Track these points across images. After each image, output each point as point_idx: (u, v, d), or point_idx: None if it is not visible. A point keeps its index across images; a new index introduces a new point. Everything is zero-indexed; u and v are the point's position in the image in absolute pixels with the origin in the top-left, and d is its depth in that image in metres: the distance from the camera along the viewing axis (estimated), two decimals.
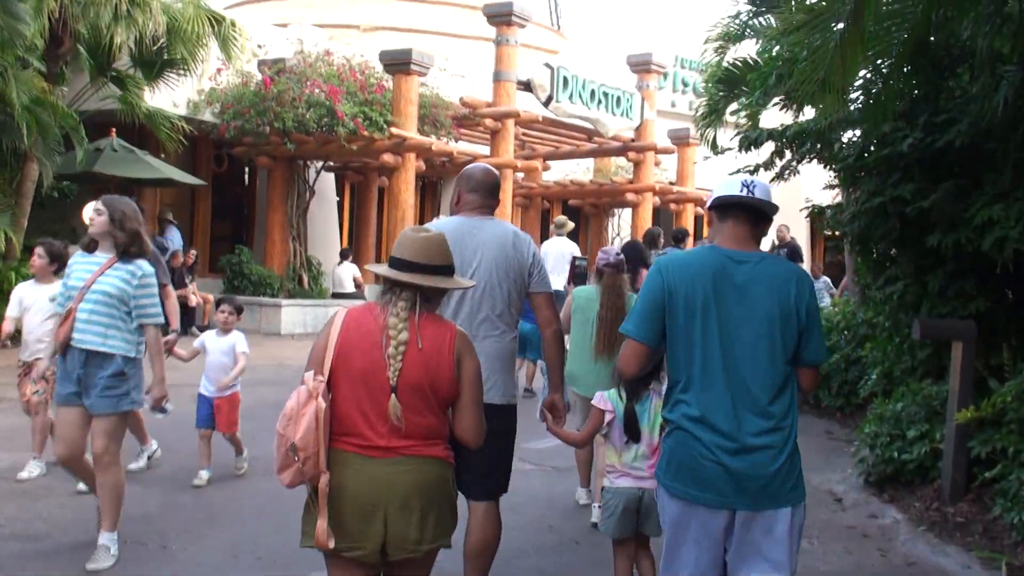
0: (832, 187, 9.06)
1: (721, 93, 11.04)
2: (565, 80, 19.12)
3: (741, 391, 3.42)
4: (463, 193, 4.74)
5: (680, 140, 22.64)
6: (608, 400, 4.79)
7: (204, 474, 7.26)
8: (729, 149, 10.31)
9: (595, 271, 6.70)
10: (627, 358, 3.61)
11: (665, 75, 25.60)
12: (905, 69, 6.82)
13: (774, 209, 3.57)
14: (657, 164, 22.80)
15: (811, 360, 3.56)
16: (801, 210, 9.18)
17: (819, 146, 7.89)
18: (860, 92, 7.58)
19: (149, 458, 7.67)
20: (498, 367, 4.43)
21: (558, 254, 13.70)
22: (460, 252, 4.27)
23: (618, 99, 20.51)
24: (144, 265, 5.56)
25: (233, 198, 20.90)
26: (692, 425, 3.44)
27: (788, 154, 8.43)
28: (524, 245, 4.68)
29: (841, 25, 5.78)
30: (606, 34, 28.37)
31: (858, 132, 7.93)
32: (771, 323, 3.45)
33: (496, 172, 4.93)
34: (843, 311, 10.88)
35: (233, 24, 15.21)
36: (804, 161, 8.32)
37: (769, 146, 8.66)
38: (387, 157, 16.84)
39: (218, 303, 8.05)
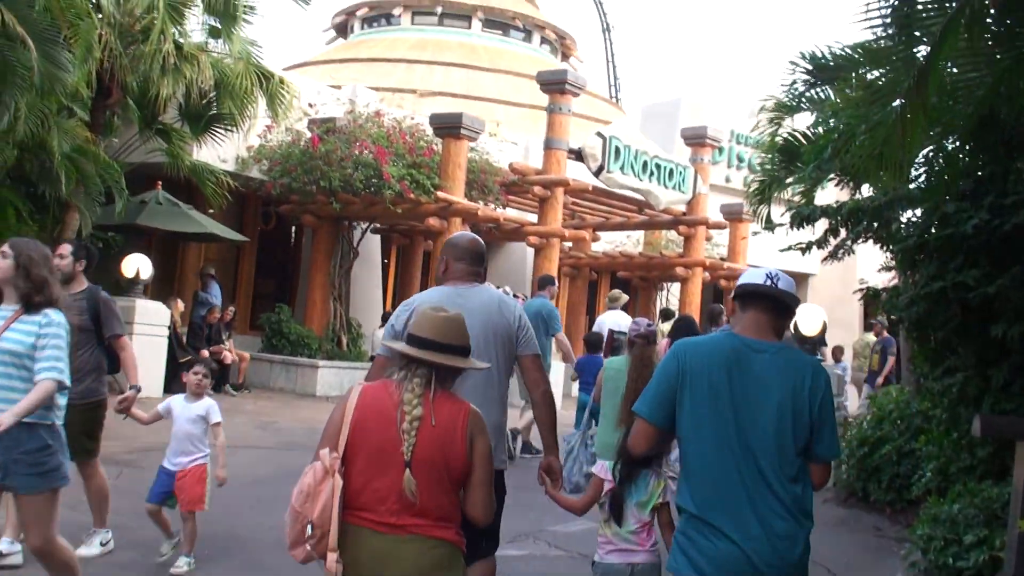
0: (888, 269, 8.56)
1: (778, 166, 10.66)
2: (617, 150, 18.83)
3: (757, 479, 3.41)
4: (451, 262, 4.83)
5: (733, 215, 22.24)
6: (609, 470, 4.73)
7: (166, 547, 6.55)
8: (782, 225, 9.90)
9: (627, 341, 6.67)
10: (637, 438, 3.66)
11: (720, 150, 25.25)
12: (969, 147, 6.42)
13: (796, 302, 3.64)
14: (709, 239, 22.41)
15: (822, 456, 3.55)
16: (855, 292, 8.70)
17: (875, 225, 7.44)
18: (921, 169, 7.17)
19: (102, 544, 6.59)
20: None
21: (613, 326, 13.42)
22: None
23: (671, 172, 20.16)
24: (52, 314, 4.81)
25: (278, 256, 20.78)
26: (710, 513, 3.42)
27: (843, 232, 7.98)
28: (510, 309, 4.76)
29: (900, 100, 5.41)
30: (663, 108, 28.09)
31: (918, 211, 7.49)
32: (783, 413, 3.45)
33: (481, 240, 5.00)
34: (897, 400, 10.31)
35: (282, 81, 15.07)
36: (859, 240, 7.84)
37: (823, 223, 8.23)
38: (433, 221, 16.58)
39: (190, 364, 7.50)
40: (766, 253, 25.15)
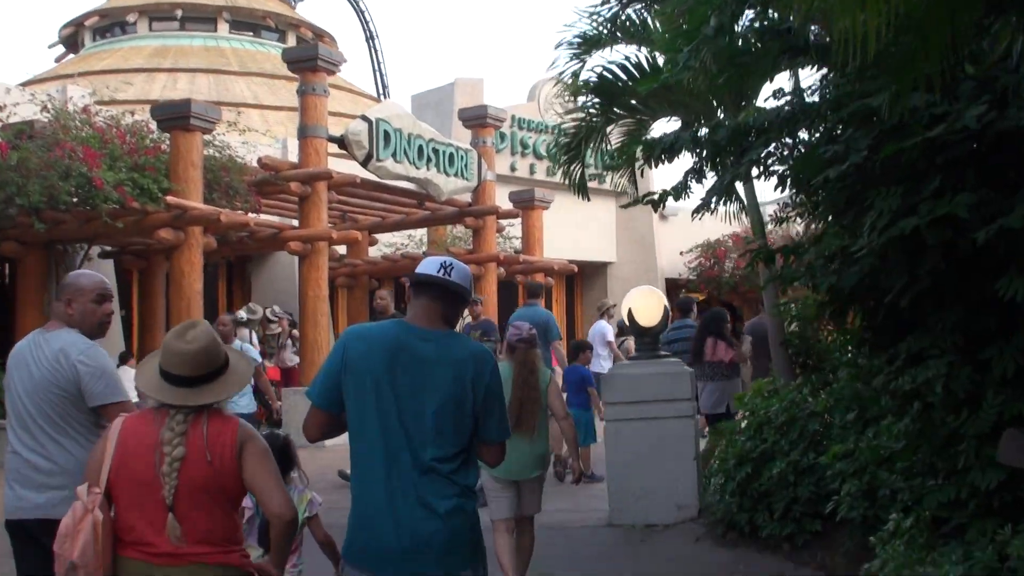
0: (788, 217, 6.07)
1: (594, 111, 8.11)
2: (387, 135, 15.96)
3: (417, 464, 3.41)
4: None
5: (524, 203, 19.87)
6: (250, 496, 4.05)
7: None
8: (599, 175, 7.41)
9: (506, 347, 6.52)
10: (308, 424, 3.61)
11: (503, 135, 22.88)
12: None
13: (467, 292, 3.64)
14: (500, 231, 19.92)
15: (491, 440, 3.61)
16: (745, 252, 6.18)
17: (785, 146, 4.86)
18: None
19: None
20: None
21: (598, 335, 14.20)
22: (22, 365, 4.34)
23: (451, 156, 17.48)
24: None
25: None
26: (371, 502, 3.41)
27: (715, 169, 5.38)
28: (73, 359, 4.30)
29: None
30: (436, 95, 25.49)
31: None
32: (445, 400, 3.46)
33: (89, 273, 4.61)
34: (780, 400, 7.87)
35: None
36: (759, 174, 5.22)
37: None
38: (165, 233, 13.33)
39: None
40: (564, 240, 22.98)
